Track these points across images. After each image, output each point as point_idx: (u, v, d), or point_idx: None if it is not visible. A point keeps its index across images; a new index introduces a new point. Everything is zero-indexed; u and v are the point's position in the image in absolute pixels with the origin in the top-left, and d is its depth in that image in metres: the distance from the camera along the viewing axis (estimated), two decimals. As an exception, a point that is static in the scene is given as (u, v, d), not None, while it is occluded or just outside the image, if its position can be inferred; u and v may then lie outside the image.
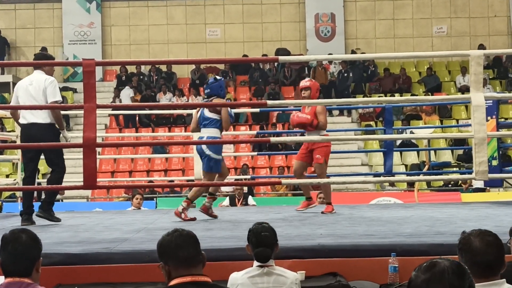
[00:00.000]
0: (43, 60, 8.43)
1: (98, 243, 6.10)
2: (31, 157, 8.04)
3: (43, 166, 19.24)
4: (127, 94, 22.60)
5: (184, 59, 23.15)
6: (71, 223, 8.36)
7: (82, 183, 6.56)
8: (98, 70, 23.07)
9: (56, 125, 7.97)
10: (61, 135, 8.07)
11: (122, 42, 25.32)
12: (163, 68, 24.42)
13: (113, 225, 7.98)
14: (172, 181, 17.33)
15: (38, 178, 11.79)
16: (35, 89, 7.88)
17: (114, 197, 18.47)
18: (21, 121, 8.00)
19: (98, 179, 6.81)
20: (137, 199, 12.28)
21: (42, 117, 7.85)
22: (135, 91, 22.90)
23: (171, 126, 21.82)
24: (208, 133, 8.44)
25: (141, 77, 24.11)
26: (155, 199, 16.01)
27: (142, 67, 24.50)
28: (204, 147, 8.39)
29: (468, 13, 25.37)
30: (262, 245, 4.69)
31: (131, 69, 24.54)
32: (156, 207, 14.74)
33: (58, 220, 8.08)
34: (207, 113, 8.47)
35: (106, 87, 24.15)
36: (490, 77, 23.65)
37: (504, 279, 3.23)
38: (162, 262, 3.35)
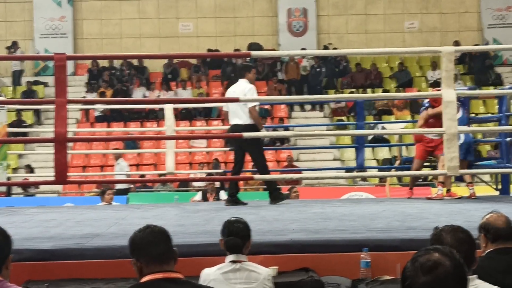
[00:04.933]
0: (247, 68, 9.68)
1: (69, 239, 6.04)
2: (235, 151, 9.75)
3: (13, 161, 19.14)
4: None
5: (157, 54, 22.96)
6: (41, 218, 8.30)
7: (53, 178, 6.50)
8: (70, 64, 22.93)
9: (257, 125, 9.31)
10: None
11: (94, 36, 25.16)
12: (135, 62, 24.30)
13: (84, 220, 7.92)
14: (144, 176, 17.26)
15: (7, 173, 11.69)
16: (237, 96, 9.09)
17: (86, 192, 18.37)
18: (230, 122, 9.46)
19: (69, 174, 6.75)
20: (109, 194, 12.20)
21: (243, 119, 9.26)
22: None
23: (143, 120, 21.72)
24: None
25: (113, 71, 23.97)
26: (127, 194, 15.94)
27: (114, 61, 24.36)
28: None
29: (439, 8, 25.53)
30: (233, 235, 4.68)
31: (103, 63, 24.39)
32: (127, 202, 14.69)
33: (246, 203, 9.84)
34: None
35: (78, 82, 23.97)
36: (461, 72, 23.80)
37: (476, 275, 3.25)
38: (134, 258, 3.34)
